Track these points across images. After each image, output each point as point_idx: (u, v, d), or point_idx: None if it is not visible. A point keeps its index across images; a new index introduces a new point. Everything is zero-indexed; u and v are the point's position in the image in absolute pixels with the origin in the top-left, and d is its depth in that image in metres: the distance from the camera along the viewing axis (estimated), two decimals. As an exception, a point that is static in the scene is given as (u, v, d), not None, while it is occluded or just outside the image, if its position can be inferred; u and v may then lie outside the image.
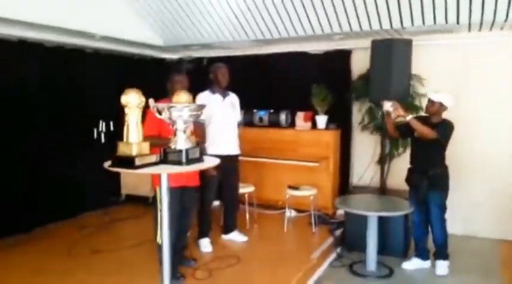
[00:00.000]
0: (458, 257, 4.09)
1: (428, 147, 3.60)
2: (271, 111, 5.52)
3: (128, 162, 2.19)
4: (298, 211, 5.13)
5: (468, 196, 4.66)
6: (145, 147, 2.30)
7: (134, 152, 2.22)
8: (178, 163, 2.31)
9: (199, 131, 3.74)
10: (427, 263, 3.89)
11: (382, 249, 4.16)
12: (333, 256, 4.21)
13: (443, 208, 3.69)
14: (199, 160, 2.43)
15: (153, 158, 2.31)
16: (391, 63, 4.10)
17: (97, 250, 4.00)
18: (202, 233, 4.08)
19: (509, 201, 4.56)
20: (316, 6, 4.23)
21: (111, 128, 5.13)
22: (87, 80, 5.23)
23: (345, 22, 4.36)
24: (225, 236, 4.34)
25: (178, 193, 3.42)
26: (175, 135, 2.36)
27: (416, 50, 4.38)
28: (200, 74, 4.71)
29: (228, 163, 4.03)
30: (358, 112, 5.24)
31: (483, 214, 4.74)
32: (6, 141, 4.37)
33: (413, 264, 3.93)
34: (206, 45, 5.62)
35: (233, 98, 4.19)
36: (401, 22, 4.17)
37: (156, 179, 3.41)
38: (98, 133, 5.12)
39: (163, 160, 2.33)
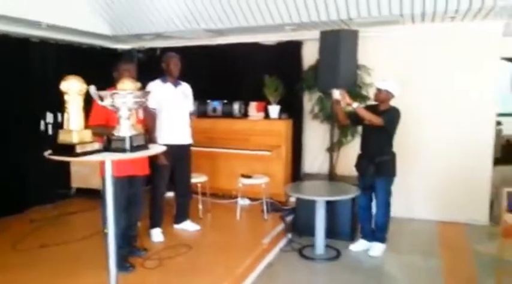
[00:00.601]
0: (399, 238, 4.32)
1: (376, 134, 3.76)
2: (225, 101, 5.57)
3: (69, 149, 2.17)
4: (252, 199, 5.23)
5: (408, 181, 4.86)
6: (87, 134, 2.28)
7: (75, 139, 2.20)
8: (123, 150, 2.31)
9: (150, 120, 3.73)
10: (372, 244, 4.08)
11: (331, 233, 4.34)
12: (284, 241, 4.33)
13: (388, 193, 3.87)
14: (145, 147, 2.44)
15: (96, 146, 2.30)
16: (338, 53, 4.23)
17: (44, 244, 3.90)
18: (154, 223, 4.07)
19: (445, 184, 4.86)
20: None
21: (59, 119, 5.00)
22: (33, 71, 5.05)
23: (295, 13, 4.45)
24: (177, 226, 4.35)
25: (126, 183, 3.41)
26: (119, 122, 2.35)
27: (363, 41, 4.56)
28: (153, 64, 4.65)
29: (180, 152, 4.05)
30: (309, 102, 5.37)
31: (422, 198, 5.02)
32: None
33: (359, 246, 4.11)
34: (159, 35, 5.55)
35: (185, 88, 4.19)
36: (348, 13, 4.30)
37: (103, 169, 3.38)
38: (45, 124, 4.98)
39: (107, 148, 2.32)
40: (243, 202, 5.25)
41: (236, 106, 5.48)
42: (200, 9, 4.68)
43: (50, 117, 4.98)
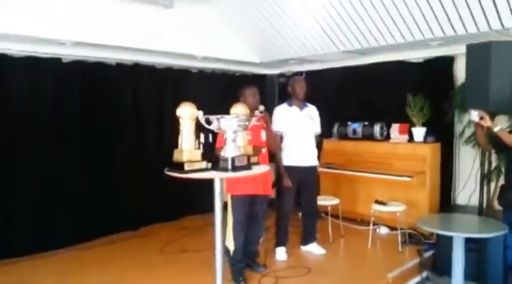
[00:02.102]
0: None
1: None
2: (366, 123, 5.37)
3: (179, 167, 2.45)
4: (392, 228, 4.86)
5: None
6: (197, 154, 2.55)
7: (185, 158, 2.47)
8: (225, 169, 2.50)
9: (273, 142, 3.89)
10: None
11: (479, 277, 3.73)
12: (417, 278, 3.89)
13: (540, 232, 3.14)
14: (247, 168, 2.57)
15: (203, 164, 2.54)
16: (488, 68, 3.65)
17: (185, 249, 4.42)
18: (279, 242, 4.17)
19: None
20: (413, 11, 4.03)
21: (210, 140, 5.59)
22: (193, 96, 5.79)
23: (447, 26, 4.03)
24: (303, 248, 4.35)
25: (247, 201, 3.60)
26: (225, 143, 2.56)
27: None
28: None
29: (305, 173, 4.09)
30: (459, 123, 4.76)
31: None
32: (128, 152, 5.14)
33: (507, 294, 3.42)
34: (302, 59, 5.75)
35: (311, 110, 4.23)
36: (502, 23, 3.71)
37: (228, 187, 3.67)
38: (198, 144, 5.63)
39: (215, 167, 2.55)
40: (379, 230, 4.95)
41: (377, 128, 5.23)
42: (336, 31, 4.68)
43: (202, 137, 5.63)
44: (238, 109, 2.99)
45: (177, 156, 2.53)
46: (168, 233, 5.08)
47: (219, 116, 2.52)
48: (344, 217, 5.06)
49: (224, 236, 3.54)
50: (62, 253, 4.41)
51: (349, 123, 5.52)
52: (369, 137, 5.32)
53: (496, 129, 3.17)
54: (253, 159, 2.69)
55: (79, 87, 4.73)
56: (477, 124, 3.41)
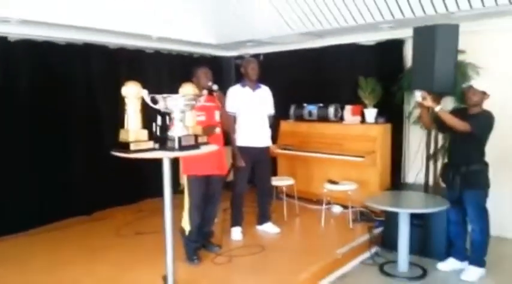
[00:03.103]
0: (499, 261, 3.72)
1: (463, 141, 3.30)
2: (321, 105, 5.47)
3: (125, 147, 2.42)
4: (345, 207, 5.01)
5: (504, 195, 4.16)
6: (143, 134, 2.53)
7: (131, 138, 2.45)
8: (172, 149, 2.49)
9: (227, 122, 3.91)
10: (464, 265, 3.56)
11: (423, 250, 3.96)
12: (367, 254, 4.06)
13: (479, 209, 3.34)
14: (195, 147, 2.58)
15: (150, 144, 2.53)
16: (434, 50, 3.79)
17: (140, 232, 4.41)
18: (234, 222, 4.22)
19: None
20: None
21: (167, 122, 5.54)
22: (148, 78, 5.67)
23: (396, 9, 4.14)
24: (259, 227, 4.43)
25: (202, 181, 3.62)
26: (173, 123, 2.56)
27: (470, 37, 4.04)
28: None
29: (259, 154, 4.14)
30: (408, 104, 4.94)
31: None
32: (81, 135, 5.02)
33: (448, 265, 3.63)
34: (259, 41, 5.75)
35: (264, 91, 4.27)
36: (446, 7, 3.86)
37: (183, 167, 3.67)
38: (155, 126, 5.56)
39: (163, 147, 2.54)
40: (334, 209, 5.11)
41: (331, 110, 5.34)
42: (289, 12, 4.70)
43: (159, 119, 5.55)
44: (187, 89, 2.99)
45: (122, 136, 2.50)
46: (124, 216, 5.02)
47: (165, 95, 2.51)
48: (300, 197, 5.17)
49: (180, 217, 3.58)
50: (9, 239, 4.27)
51: (305, 104, 5.60)
52: (323, 119, 5.43)
53: (436, 109, 3.32)
54: (202, 139, 2.69)
55: (27, 67, 4.53)
56: (421, 105, 3.55)
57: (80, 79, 5.00)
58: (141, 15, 4.79)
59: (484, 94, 3.28)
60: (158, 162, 2.50)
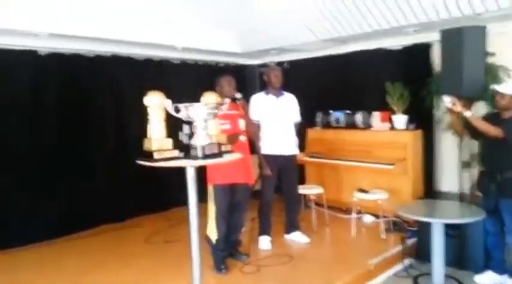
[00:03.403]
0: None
1: (497, 147, 3.16)
2: (348, 111, 5.37)
3: (149, 155, 2.42)
4: (377, 216, 4.85)
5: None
6: (167, 143, 2.53)
7: (154, 147, 2.45)
8: (195, 157, 2.48)
9: (252, 131, 3.87)
10: (504, 278, 3.36)
11: (460, 263, 3.78)
12: (400, 265, 3.90)
13: (517, 217, 3.16)
14: (218, 156, 2.55)
15: (175, 153, 2.52)
16: (461, 54, 3.65)
17: (169, 240, 4.43)
18: (262, 231, 4.17)
19: None
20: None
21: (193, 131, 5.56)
22: (174, 88, 5.72)
23: (420, 12, 4.01)
24: (287, 236, 4.35)
25: (228, 190, 3.59)
26: (196, 132, 2.55)
27: (498, 38, 3.89)
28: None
29: (285, 162, 4.08)
30: (438, 110, 4.75)
31: None
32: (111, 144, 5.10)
33: (486, 278, 3.45)
34: (283, 49, 5.72)
35: (288, 98, 4.22)
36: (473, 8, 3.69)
37: (209, 176, 3.65)
38: (182, 135, 5.60)
39: (186, 155, 2.53)
40: (366, 218, 4.96)
41: (359, 117, 5.22)
42: (312, 20, 4.64)
43: (186, 128, 5.59)
44: (209, 98, 2.97)
45: (146, 145, 2.50)
46: (153, 224, 5.06)
47: (187, 104, 2.50)
48: (330, 206, 5.06)
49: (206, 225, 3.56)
50: (44, 245, 4.40)
51: (331, 111, 5.51)
52: (351, 125, 5.32)
53: (466, 114, 3.17)
54: (226, 147, 2.66)
55: (57, 79, 4.66)
56: (450, 110, 3.41)
57: (107, 90, 5.11)
58: (166, 26, 4.86)
59: None
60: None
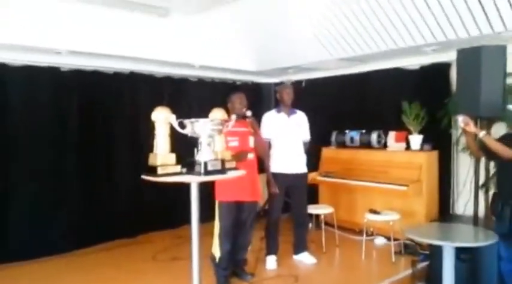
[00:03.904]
0: None
1: (511, 169, 3.03)
2: (363, 131, 5.32)
3: (153, 171, 2.46)
4: (389, 239, 4.74)
5: None
6: (171, 158, 2.56)
7: (158, 162, 2.48)
8: (198, 173, 2.49)
9: (262, 149, 3.87)
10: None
11: (473, 289, 3.62)
12: (410, 290, 3.79)
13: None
14: (221, 172, 2.56)
15: (177, 168, 2.54)
16: (479, 73, 3.58)
17: (176, 257, 4.43)
18: (269, 251, 4.12)
19: None
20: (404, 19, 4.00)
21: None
22: (191, 105, 5.79)
23: (438, 31, 3.98)
24: (295, 257, 4.29)
25: (234, 207, 3.58)
26: (200, 148, 2.57)
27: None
28: (299, 95, 4.67)
29: (293, 181, 4.06)
30: (455, 130, 4.66)
31: None
32: (128, 161, 5.19)
33: (500, 306, 3.29)
34: (300, 67, 5.75)
35: (299, 117, 4.22)
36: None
37: (215, 193, 3.66)
38: (196, 151, 5.66)
39: (190, 171, 2.55)
40: (377, 240, 4.85)
41: (374, 136, 5.16)
42: (329, 39, 4.66)
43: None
44: (216, 114, 3.01)
45: (151, 160, 2.53)
46: (162, 241, 5.08)
47: (192, 120, 2.53)
48: (342, 227, 4.98)
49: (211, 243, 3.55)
50: (55, 259, 4.46)
51: (346, 131, 5.47)
52: (366, 145, 5.26)
53: (480, 135, 3.09)
54: (230, 164, 2.67)
55: (77, 95, 4.82)
56: (464, 131, 3.34)
57: (126, 107, 5.23)
58: (184, 44, 4.97)
59: None
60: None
